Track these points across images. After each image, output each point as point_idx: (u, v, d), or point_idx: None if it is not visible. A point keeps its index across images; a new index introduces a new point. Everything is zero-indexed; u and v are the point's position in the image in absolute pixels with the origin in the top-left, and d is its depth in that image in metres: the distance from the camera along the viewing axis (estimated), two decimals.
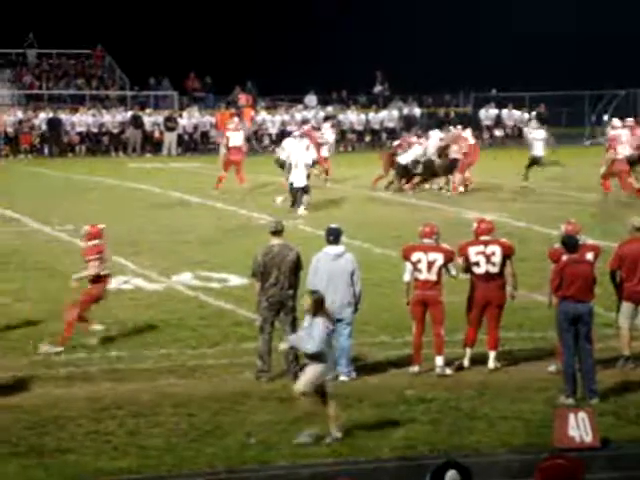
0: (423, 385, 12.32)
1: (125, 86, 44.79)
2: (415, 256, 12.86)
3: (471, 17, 46.92)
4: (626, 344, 12.96)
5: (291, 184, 24.84)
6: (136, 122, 39.77)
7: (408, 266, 12.90)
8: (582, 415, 10.49)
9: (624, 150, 25.92)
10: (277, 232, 12.92)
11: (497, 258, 12.99)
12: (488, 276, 12.97)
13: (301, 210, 24.45)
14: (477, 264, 12.98)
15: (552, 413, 10.81)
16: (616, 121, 28.44)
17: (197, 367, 13.02)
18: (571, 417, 10.48)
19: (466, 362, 13.02)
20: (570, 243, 12.10)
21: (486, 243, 13.05)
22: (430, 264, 12.77)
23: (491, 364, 12.95)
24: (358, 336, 13.37)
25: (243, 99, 42.06)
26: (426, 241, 12.96)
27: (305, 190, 24.77)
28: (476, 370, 12.93)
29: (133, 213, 24.65)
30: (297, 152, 25.29)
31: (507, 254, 13.06)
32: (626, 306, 13.01)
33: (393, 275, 17.35)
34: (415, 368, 12.80)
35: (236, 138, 28.46)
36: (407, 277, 12.96)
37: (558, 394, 11.73)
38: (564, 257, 12.13)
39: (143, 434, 10.80)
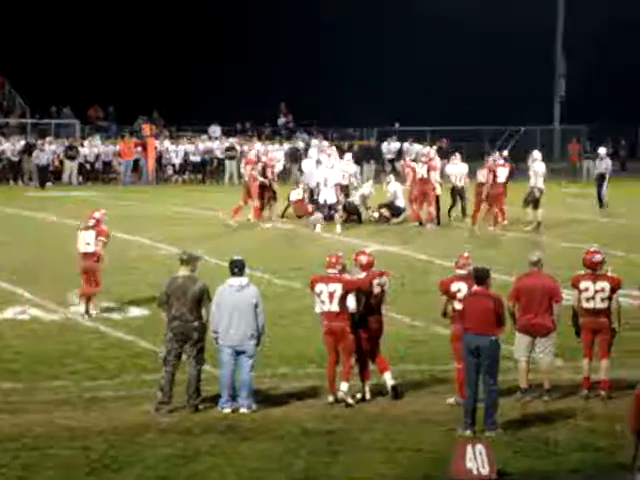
0: (324, 417, 12.30)
1: (25, 114, 44.13)
2: (318, 287, 12.86)
3: (376, 52, 47.39)
4: (523, 377, 13.11)
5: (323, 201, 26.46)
6: (30, 151, 39.00)
7: (316, 297, 12.90)
8: (479, 447, 10.58)
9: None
10: (184, 261, 12.81)
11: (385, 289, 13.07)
12: (372, 309, 13.01)
13: (339, 229, 25.97)
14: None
15: (451, 445, 10.88)
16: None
17: (95, 399, 12.81)
18: (469, 449, 10.56)
19: (357, 397, 12.95)
20: (477, 275, 12.22)
21: (374, 276, 13.07)
22: (331, 295, 12.77)
23: (390, 381, 12.95)
24: (259, 368, 13.30)
25: (147, 129, 41.79)
26: (330, 271, 12.96)
27: (335, 208, 26.51)
28: (375, 402, 12.96)
29: (31, 242, 24.24)
30: (324, 171, 26.95)
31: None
32: (523, 339, 13.14)
33: (295, 306, 17.37)
34: (330, 398, 12.75)
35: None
36: (317, 309, 12.93)
37: (457, 426, 11.81)
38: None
39: (37, 467, 10.59)
